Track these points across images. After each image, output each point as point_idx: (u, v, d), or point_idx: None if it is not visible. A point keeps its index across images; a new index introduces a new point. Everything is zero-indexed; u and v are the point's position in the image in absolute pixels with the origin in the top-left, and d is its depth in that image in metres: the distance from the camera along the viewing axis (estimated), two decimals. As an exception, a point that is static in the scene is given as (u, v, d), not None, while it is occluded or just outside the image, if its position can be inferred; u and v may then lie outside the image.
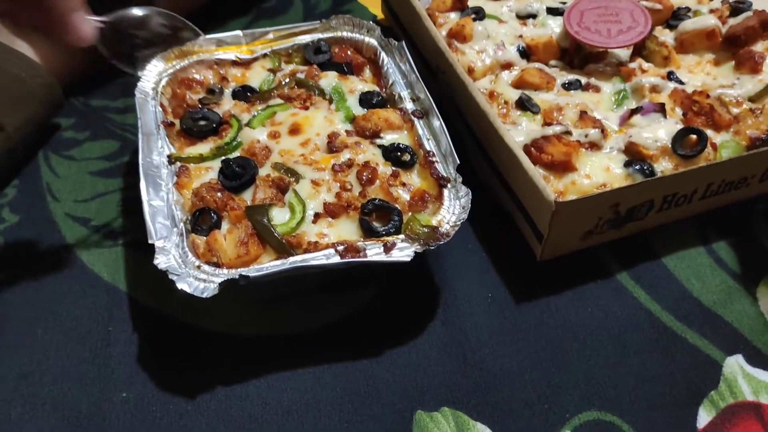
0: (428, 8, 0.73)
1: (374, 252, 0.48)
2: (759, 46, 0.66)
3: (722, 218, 0.61)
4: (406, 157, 0.56)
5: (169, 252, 0.49)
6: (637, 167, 0.55)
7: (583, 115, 0.60)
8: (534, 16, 0.72)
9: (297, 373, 0.50)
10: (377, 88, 0.63)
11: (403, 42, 0.64)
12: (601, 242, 0.57)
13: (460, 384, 0.49)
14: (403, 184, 0.54)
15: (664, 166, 0.56)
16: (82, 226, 0.60)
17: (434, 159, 0.55)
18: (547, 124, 0.60)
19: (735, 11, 0.71)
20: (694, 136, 0.57)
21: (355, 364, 0.50)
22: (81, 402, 0.48)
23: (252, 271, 0.47)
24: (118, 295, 0.55)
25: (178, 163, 0.56)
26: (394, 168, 0.55)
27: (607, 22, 0.66)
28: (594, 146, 0.58)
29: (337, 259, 0.48)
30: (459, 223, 0.50)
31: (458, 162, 0.53)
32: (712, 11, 0.72)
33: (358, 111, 0.61)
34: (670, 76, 0.65)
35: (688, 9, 0.73)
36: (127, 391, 0.48)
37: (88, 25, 0.50)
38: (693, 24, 0.68)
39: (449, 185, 0.53)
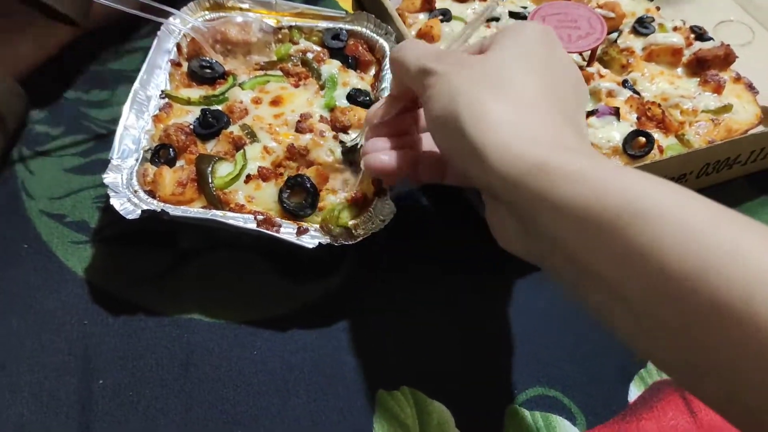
0: (398, 8, 0.77)
1: (287, 231, 0.53)
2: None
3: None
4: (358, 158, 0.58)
5: (121, 171, 0.55)
6: (588, 163, 0.60)
7: (540, 115, 0.65)
8: (497, 19, 0.76)
9: (266, 357, 0.53)
10: (370, 89, 0.67)
11: None
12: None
13: (419, 367, 0.53)
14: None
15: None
16: (57, 222, 0.61)
17: None
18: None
19: (699, 37, 0.76)
20: (643, 139, 0.62)
21: (321, 349, 0.53)
22: (59, 390, 0.50)
23: (176, 210, 0.52)
24: (93, 288, 0.57)
25: (167, 100, 0.62)
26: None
27: (567, 27, 0.70)
28: (549, 144, 0.62)
29: (252, 226, 0.52)
30: (370, 233, 0.52)
31: None
32: (675, 28, 0.76)
33: (342, 104, 0.64)
34: (624, 83, 0.69)
35: (652, 18, 0.77)
36: (104, 379, 0.51)
37: None
38: (663, 39, 0.73)
39: (383, 197, 0.55)
